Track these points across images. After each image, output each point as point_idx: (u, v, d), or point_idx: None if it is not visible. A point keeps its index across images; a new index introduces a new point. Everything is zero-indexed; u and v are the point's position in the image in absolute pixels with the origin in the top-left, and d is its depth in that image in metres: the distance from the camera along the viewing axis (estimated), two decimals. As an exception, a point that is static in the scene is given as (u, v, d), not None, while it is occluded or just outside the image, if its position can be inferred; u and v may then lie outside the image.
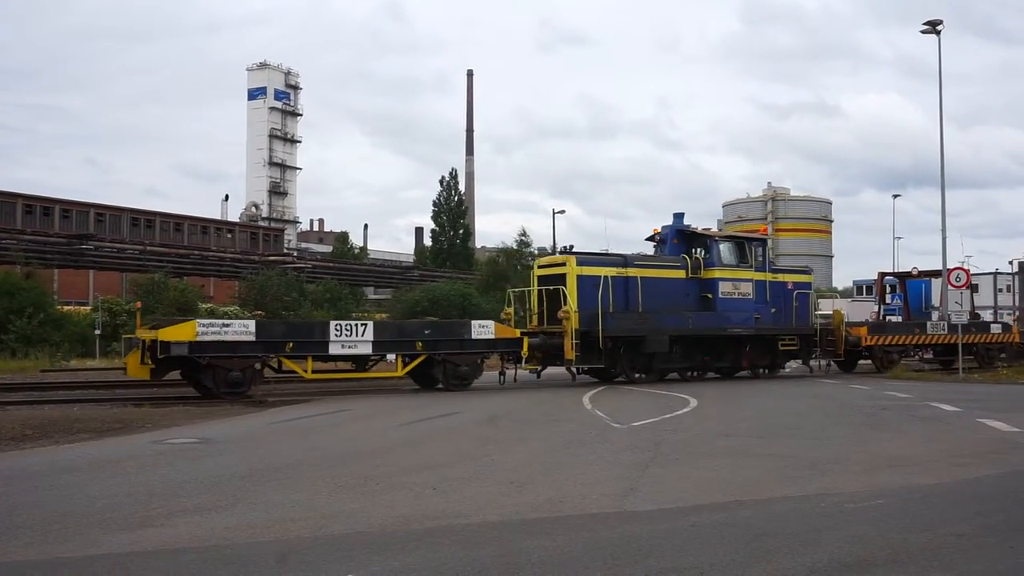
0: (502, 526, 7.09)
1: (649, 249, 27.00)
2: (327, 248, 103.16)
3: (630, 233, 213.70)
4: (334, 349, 20.42)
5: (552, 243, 69.78)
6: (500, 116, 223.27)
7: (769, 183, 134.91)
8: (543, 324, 23.20)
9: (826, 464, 9.95)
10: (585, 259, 23.61)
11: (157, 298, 43.38)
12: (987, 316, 39.13)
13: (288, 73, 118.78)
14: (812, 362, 27.39)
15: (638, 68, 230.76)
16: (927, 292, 42.98)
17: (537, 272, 24.70)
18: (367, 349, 20.83)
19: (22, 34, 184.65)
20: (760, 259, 25.74)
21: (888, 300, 35.03)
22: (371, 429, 14.40)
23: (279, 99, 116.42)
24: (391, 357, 21.53)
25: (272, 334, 20.28)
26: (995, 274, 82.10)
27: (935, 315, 39.63)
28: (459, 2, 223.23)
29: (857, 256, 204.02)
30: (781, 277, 26.36)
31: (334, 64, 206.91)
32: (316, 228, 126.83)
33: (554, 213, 66.20)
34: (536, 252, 70.57)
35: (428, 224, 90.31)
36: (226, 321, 21.28)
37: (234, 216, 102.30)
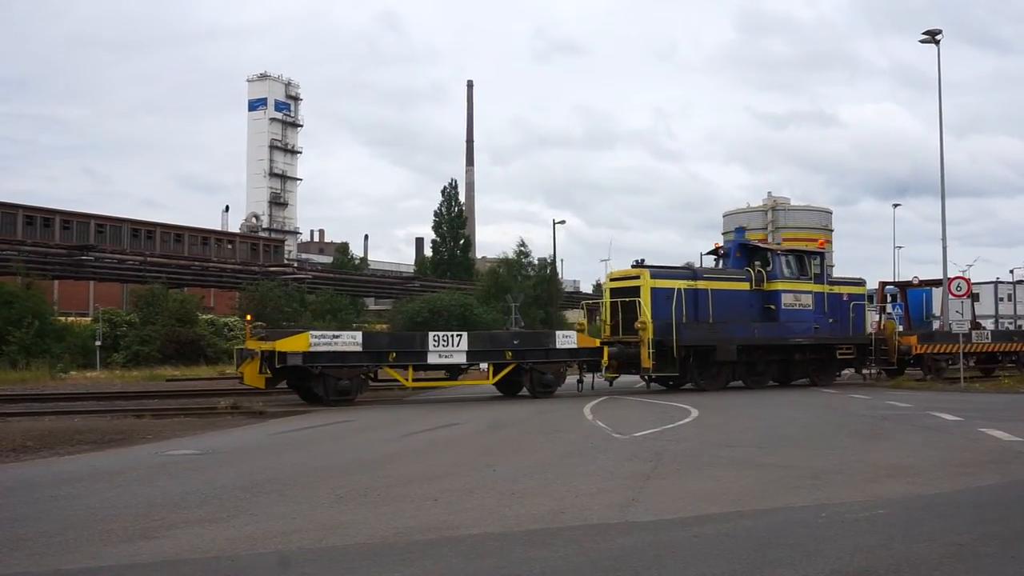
0: (503, 537, 7.08)
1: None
2: (327, 259, 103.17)
3: (630, 243, 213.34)
4: (432, 359, 21.62)
5: (552, 253, 69.84)
6: (497, 126, 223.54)
7: (769, 193, 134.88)
8: (616, 334, 24.18)
9: (827, 474, 9.93)
10: (658, 272, 24.66)
11: (157, 309, 43.40)
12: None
13: (288, 84, 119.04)
14: (864, 370, 28.25)
15: (634, 78, 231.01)
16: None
17: (610, 285, 25.66)
18: (462, 359, 22.10)
19: (20, 44, 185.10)
20: (818, 271, 26.67)
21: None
22: (372, 440, 14.39)
23: (279, 110, 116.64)
24: (483, 366, 22.69)
25: (377, 345, 21.70)
26: (996, 283, 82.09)
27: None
28: (454, 12, 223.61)
29: (857, 265, 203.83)
30: (837, 289, 27.23)
31: (330, 75, 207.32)
32: (316, 239, 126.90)
33: (555, 224, 66.19)
34: (536, 262, 70.59)
35: (427, 234, 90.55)
36: (336, 333, 22.32)
37: (234, 227, 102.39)
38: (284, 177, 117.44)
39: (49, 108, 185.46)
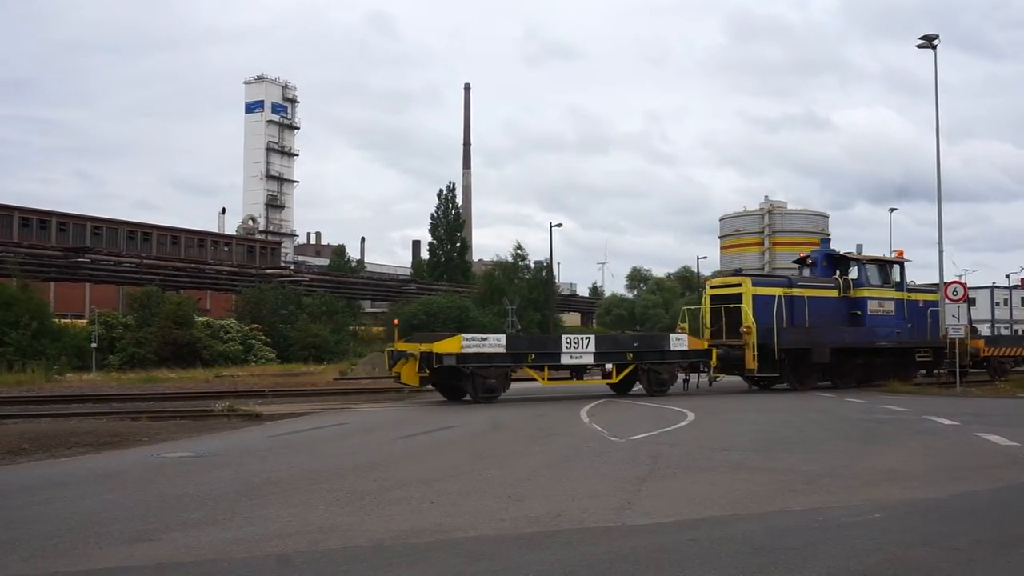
0: (499, 540, 7.08)
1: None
2: (324, 261, 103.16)
3: (626, 247, 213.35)
4: (564, 359, 23.24)
5: (549, 257, 69.80)
6: (490, 129, 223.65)
7: (766, 197, 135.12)
8: (719, 338, 25.46)
9: (823, 478, 9.95)
10: (759, 280, 26.73)
11: (153, 311, 43.35)
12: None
13: (285, 86, 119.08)
14: (935, 371, 29.24)
15: (626, 82, 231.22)
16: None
17: (710, 291, 27.19)
18: (589, 359, 23.57)
19: (14, 46, 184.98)
20: (898, 279, 28.18)
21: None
22: (368, 443, 14.38)
23: (276, 112, 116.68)
24: (608, 366, 23.88)
25: (519, 347, 23.36)
26: (992, 287, 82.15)
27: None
28: (444, 14, 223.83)
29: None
30: (915, 295, 28.63)
31: (323, 77, 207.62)
32: (313, 241, 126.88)
33: (551, 227, 66.21)
34: (532, 265, 70.59)
35: (422, 237, 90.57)
36: (484, 336, 23.83)
37: (231, 229, 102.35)
38: (281, 179, 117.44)
39: (44, 110, 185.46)
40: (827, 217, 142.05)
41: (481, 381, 21.71)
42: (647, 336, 29.73)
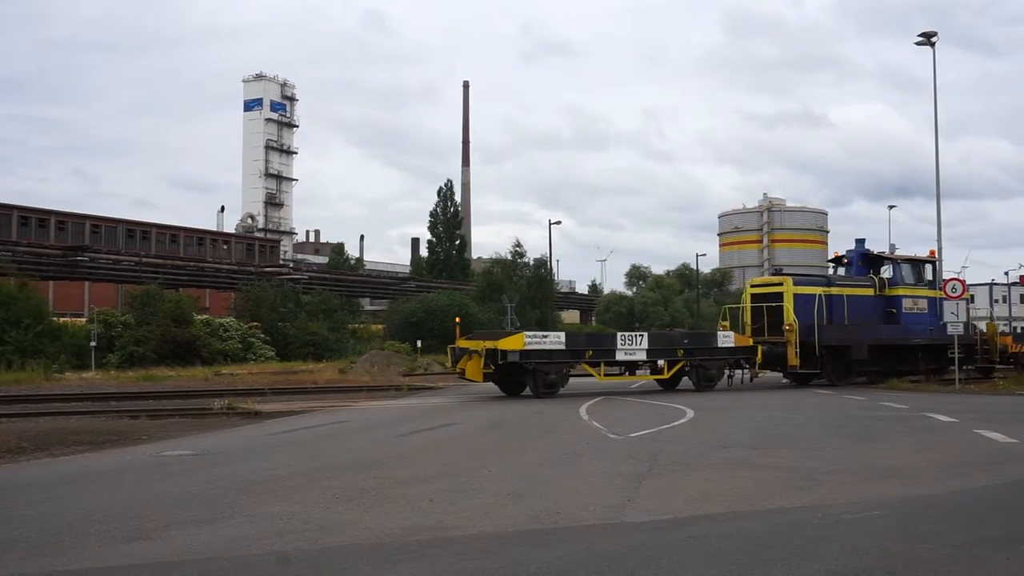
0: (498, 538, 7.08)
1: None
2: (323, 259, 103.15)
3: (624, 244, 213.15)
4: (619, 356, 24.10)
5: (548, 253, 69.85)
6: (486, 127, 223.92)
7: (765, 194, 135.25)
8: (761, 335, 26.38)
9: (823, 475, 9.95)
10: (800, 280, 27.46)
11: (152, 309, 43.32)
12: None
13: (284, 84, 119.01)
14: (965, 367, 29.80)
15: (623, 79, 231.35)
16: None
17: (751, 291, 28.18)
18: (642, 356, 24.50)
19: (12, 45, 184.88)
20: (930, 278, 29.11)
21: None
22: (367, 441, 14.38)
23: (275, 110, 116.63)
24: (660, 362, 24.70)
25: (577, 344, 24.18)
26: (991, 284, 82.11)
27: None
28: (441, 12, 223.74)
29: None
30: None
31: (319, 75, 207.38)
32: (312, 239, 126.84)
33: (550, 224, 66.25)
34: (532, 263, 70.55)
35: (421, 234, 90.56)
36: (544, 333, 24.69)
37: (230, 227, 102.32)
38: (280, 177, 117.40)
39: (41, 109, 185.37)
40: (826, 214, 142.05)
41: (542, 376, 22.44)
42: (696, 333, 30.81)
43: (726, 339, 25.39)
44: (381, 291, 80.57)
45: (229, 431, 15.89)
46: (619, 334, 25.46)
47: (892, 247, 29.35)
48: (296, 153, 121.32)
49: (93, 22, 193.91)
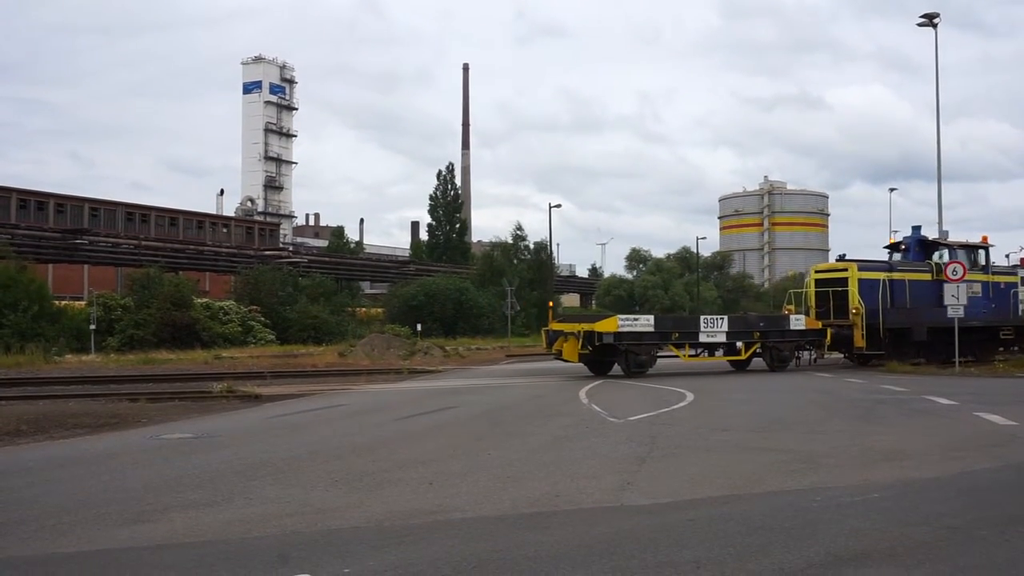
0: (498, 521, 7.08)
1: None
2: (323, 243, 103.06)
3: (623, 227, 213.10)
4: (702, 338, 25.44)
5: (548, 237, 69.79)
6: (481, 110, 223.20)
7: (766, 177, 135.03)
8: (827, 318, 27.24)
9: (822, 458, 9.95)
10: (864, 265, 28.18)
11: (152, 293, 43.30)
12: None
13: (283, 67, 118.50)
14: (1013, 348, 31.12)
15: (618, 62, 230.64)
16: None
17: (815, 276, 29.19)
18: (723, 338, 25.74)
19: (6, 27, 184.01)
20: (983, 263, 29.94)
21: None
22: (367, 424, 14.39)
23: (274, 93, 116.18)
24: (739, 344, 26.10)
25: (664, 326, 25.49)
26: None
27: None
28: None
29: (853, 250, 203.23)
30: (998, 278, 30.44)
31: (314, 58, 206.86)
32: (312, 223, 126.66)
33: (550, 207, 66.16)
34: (532, 246, 70.49)
35: (418, 217, 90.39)
36: (635, 316, 26.15)
37: (229, 211, 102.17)
38: (279, 160, 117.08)
39: (36, 91, 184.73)
40: (827, 197, 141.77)
41: (633, 357, 23.64)
42: (771, 316, 31.43)
43: (797, 322, 26.53)
44: (381, 275, 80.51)
45: (229, 414, 15.90)
46: (702, 317, 26.95)
47: (945, 233, 30.08)
48: (295, 136, 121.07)
49: (87, 4, 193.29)
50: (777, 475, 9.00)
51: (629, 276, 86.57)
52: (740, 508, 7.44)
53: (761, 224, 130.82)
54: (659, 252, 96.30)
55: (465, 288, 58.49)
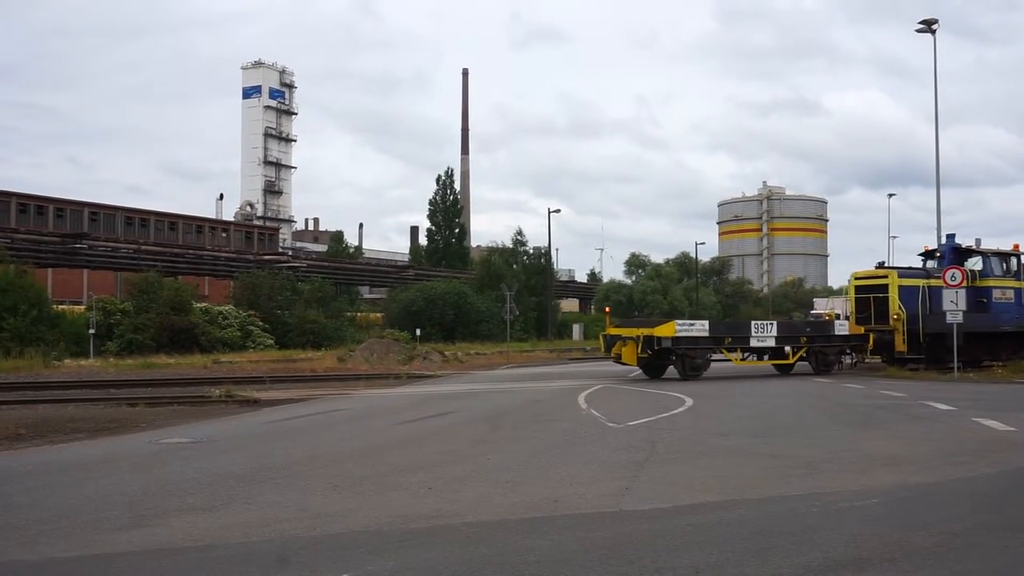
0: (498, 526, 7.08)
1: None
2: (322, 247, 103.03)
3: (621, 232, 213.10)
4: (753, 343, 26.14)
5: (548, 242, 69.79)
6: (479, 114, 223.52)
7: (764, 182, 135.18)
8: (867, 324, 27.94)
9: (821, 463, 9.95)
10: (903, 273, 29.21)
11: (151, 297, 43.29)
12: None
13: (283, 72, 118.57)
14: None
15: (615, 66, 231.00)
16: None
17: (855, 283, 29.82)
18: (772, 343, 26.49)
19: (5, 30, 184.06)
20: (1015, 269, 30.45)
21: None
22: (366, 429, 14.38)
23: (274, 98, 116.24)
24: (787, 348, 26.75)
25: (718, 331, 26.32)
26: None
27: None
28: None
29: (851, 255, 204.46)
30: None
31: (312, 63, 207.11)
32: (311, 227, 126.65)
33: (550, 212, 66.24)
34: (531, 251, 70.49)
35: (416, 222, 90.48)
36: (691, 321, 26.85)
37: (229, 215, 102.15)
38: (279, 165, 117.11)
39: (35, 95, 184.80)
40: (825, 203, 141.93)
41: (690, 361, 24.31)
42: (816, 322, 32.29)
43: (842, 328, 27.39)
44: (380, 279, 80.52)
45: (228, 419, 15.89)
46: (753, 322, 27.71)
47: (978, 241, 30.71)
48: (295, 141, 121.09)
49: (85, 7, 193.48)
50: (776, 480, 9.00)
51: (628, 281, 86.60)
52: (739, 513, 7.43)
53: (760, 229, 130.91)
54: (657, 257, 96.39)
55: (464, 293, 58.49)
